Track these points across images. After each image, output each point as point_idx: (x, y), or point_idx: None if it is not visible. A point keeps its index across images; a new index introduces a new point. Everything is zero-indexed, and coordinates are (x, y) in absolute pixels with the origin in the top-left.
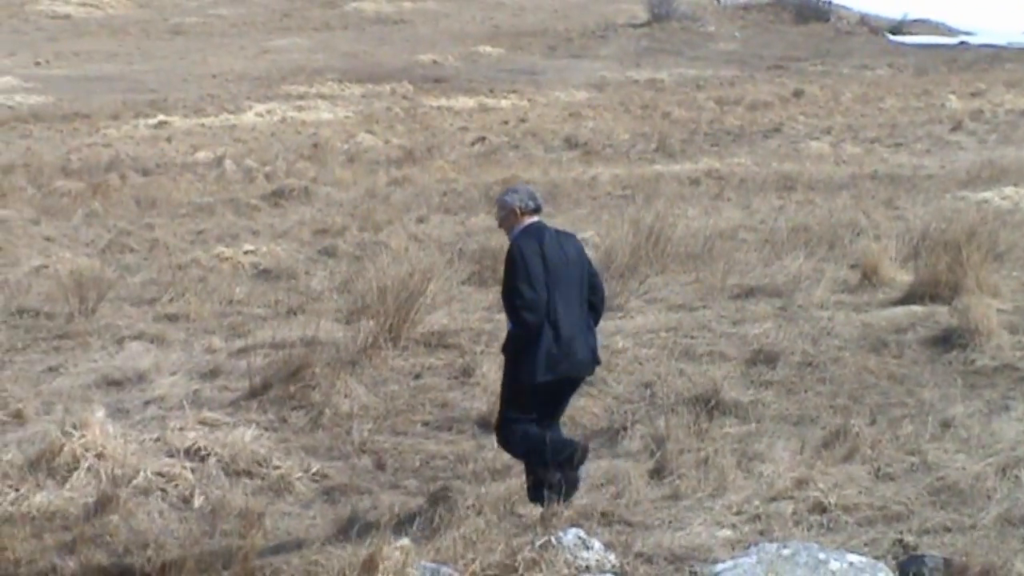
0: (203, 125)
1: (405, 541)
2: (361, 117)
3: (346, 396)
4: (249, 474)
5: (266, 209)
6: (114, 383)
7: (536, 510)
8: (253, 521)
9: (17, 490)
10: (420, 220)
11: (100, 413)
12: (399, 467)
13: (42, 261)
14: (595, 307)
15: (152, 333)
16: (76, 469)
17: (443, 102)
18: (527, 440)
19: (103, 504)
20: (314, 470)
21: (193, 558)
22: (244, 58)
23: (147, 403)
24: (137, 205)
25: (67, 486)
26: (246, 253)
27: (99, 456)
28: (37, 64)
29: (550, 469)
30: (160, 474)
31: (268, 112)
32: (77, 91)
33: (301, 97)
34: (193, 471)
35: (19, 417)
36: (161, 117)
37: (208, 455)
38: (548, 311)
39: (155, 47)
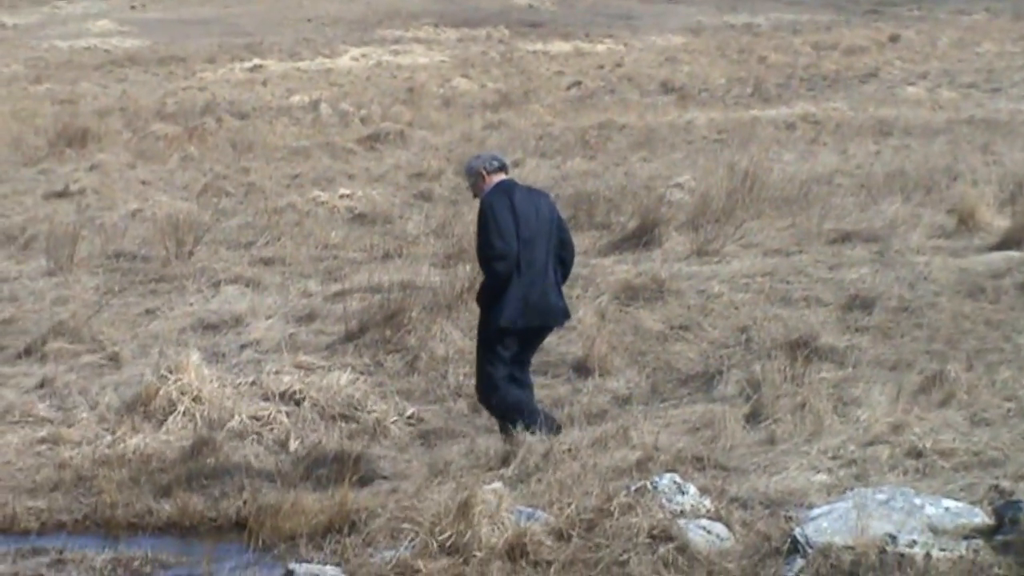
0: (298, 69)
1: (500, 485)
2: (457, 61)
3: (442, 340)
4: (345, 418)
5: (361, 153)
6: (210, 326)
7: (632, 455)
8: (349, 465)
9: (113, 433)
10: (516, 164)
11: (196, 356)
12: None
13: (138, 205)
14: (565, 262)
15: (248, 277)
16: (172, 412)
17: (539, 46)
18: (505, 404)
19: (199, 447)
20: (409, 414)
21: (289, 502)
22: (339, 1)
23: (243, 347)
24: (233, 149)
25: (163, 429)
26: (342, 197)
27: (195, 399)
28: (132, 8)
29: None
30: (256, 418)
31: (363, 56)
32: (172, 34)
33: (396, 41)
34: (289, 415)
35: (116, 360)
36: (257, 61)
37: (304, 399)
38: (519, 262)
39: None
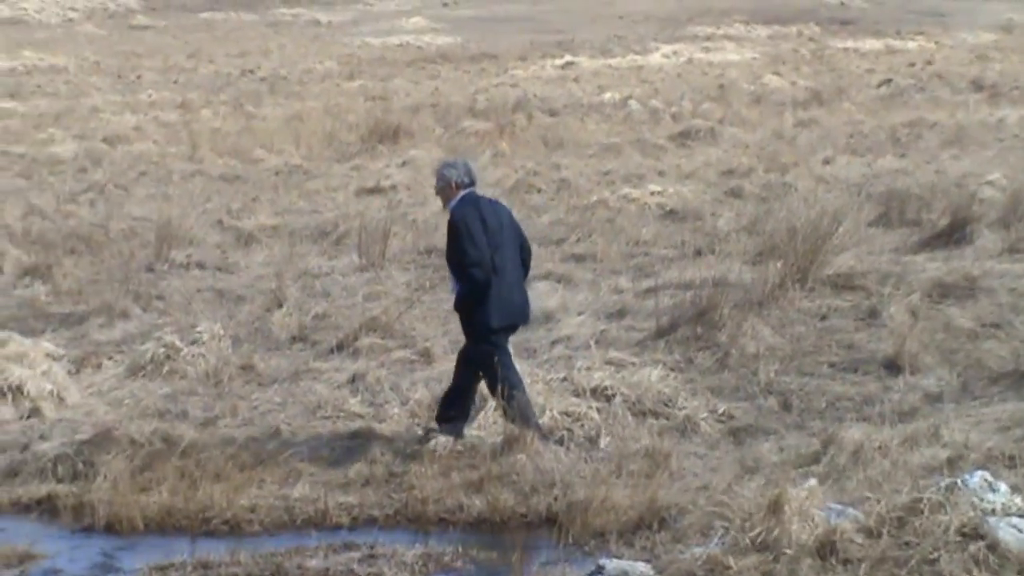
0: (610, 66)
1: (811, 482)
2: (768, 58)
3: (752, 337)
4: (655, 414)
5: (672, 150)
6: None
7: (943, 452)
8: (659, 461)
9: (425, 429)
10: (826, 162)
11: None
12: (805, 408)
13: None
14: (525, 263)
15: (559, 273)
16: (483, 408)
17: (850, 44)
18: (487, 361)
19: (509, 443)
20: (720, 410)
21: (599, 498)
22: None
23: (554, 343)
24: (544, 145)
25: (474, 425)
26: (652, 194)
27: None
28: (444, 5)
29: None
30: (566, 413)
31: (674, 53)
32: (484, 32)
33: (708, 38)
34: (599, 411)
35: (427, 356)
36: (568, 58)
37: (614, 395)
38: (494, 265)
39: None
